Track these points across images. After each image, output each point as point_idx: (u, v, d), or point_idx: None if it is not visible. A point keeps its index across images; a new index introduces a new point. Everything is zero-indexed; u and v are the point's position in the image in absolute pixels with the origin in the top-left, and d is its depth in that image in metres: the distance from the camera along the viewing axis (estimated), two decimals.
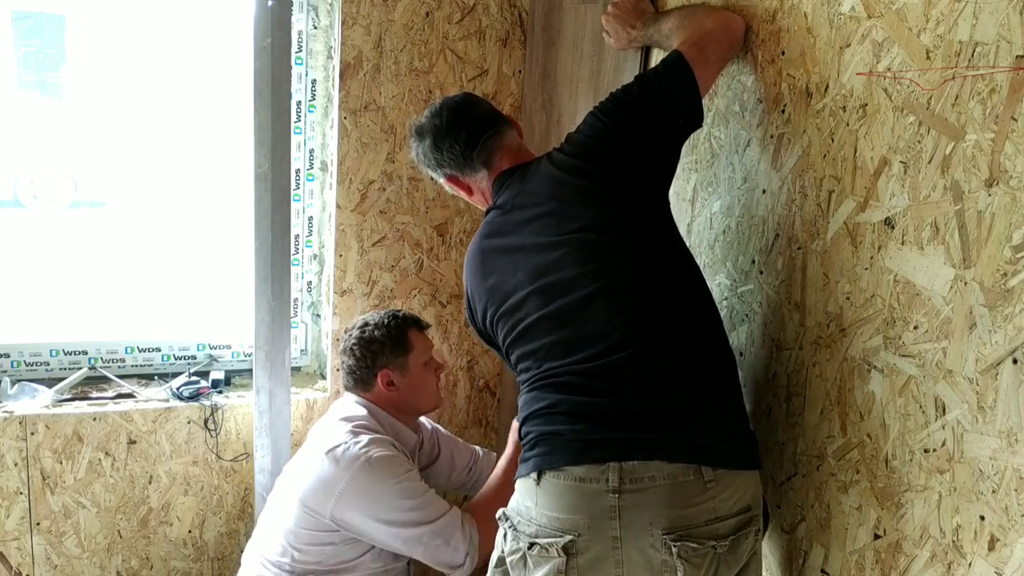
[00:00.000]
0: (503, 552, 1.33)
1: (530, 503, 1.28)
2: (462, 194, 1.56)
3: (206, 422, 2.29)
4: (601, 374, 1.26)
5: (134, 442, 2.23)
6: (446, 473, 2.06)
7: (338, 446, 1.71)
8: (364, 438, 1.72)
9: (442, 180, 1.55)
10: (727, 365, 1.33)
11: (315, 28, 2.20)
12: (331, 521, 1.69)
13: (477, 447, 2.18)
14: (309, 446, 1.82)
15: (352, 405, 1.86)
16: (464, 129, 1.48)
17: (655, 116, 1.35)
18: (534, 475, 1.27)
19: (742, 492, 1.24)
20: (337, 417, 1.83)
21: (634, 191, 1.35)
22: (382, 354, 1.83)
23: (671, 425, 1.23)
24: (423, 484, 1.74)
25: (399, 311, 1.92)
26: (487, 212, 1.50)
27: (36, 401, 2.19)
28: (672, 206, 1.42)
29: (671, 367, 1.26)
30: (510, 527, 1.32)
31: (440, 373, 1.95)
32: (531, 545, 1.26)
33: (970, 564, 1.03)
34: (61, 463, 2.17)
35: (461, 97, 1.55)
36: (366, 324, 1.87)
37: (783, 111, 1.35)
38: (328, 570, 1.74)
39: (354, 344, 1.86)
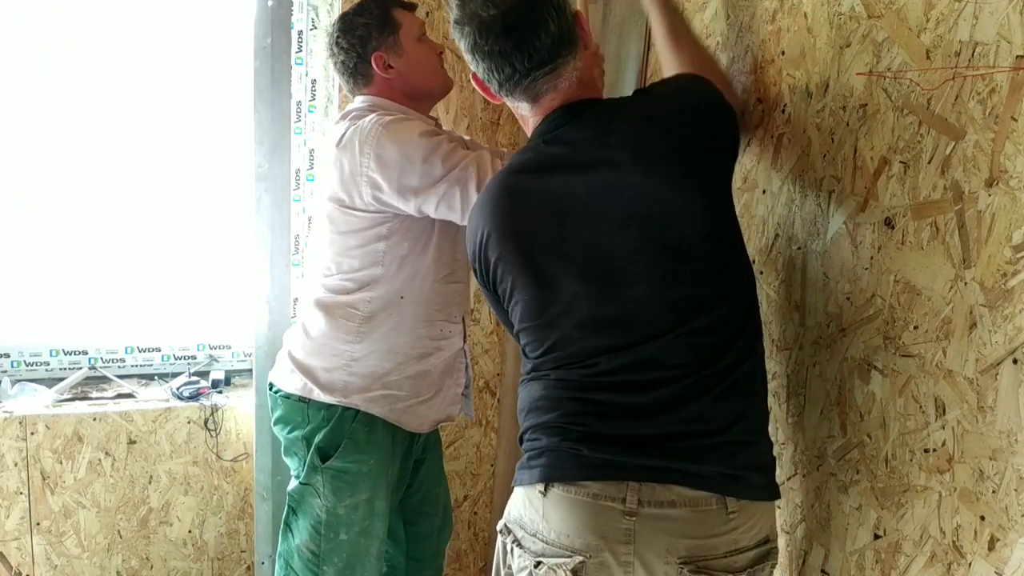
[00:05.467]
0: (511, 569, 1.24)
1: (536, 516, 1.19)
2: (485, 95, 1.29)
3: (206, 422, 2.29)
4: (640, 401, 1.15)
5: (134, 442, 2.23)
6: None
7: (346, 133, 1.59)
8: (370, 115, 1.61)
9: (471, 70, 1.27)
10: (763, 394, 1.23)
11: (315, 28, 2.20)
12: (373, 200, 1.58)
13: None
14: (324, 155, 1.70)
15: (356, 103, 1.71)
16: (511, 62, 1.17)
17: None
18: (540, 486, 1.18)
19: (763, 522, 1.17)
20: (340, 117, 1.71)
21: (716, 179, 1.20)
22: (369, 37, 1.66)
23: (700, 459, 1.13)
24: (443, 135, 1.61)
25: None
26: (530, 142, 1.27)
27: (36, 401, 2.19)
28: None
29: (712, 400, 1.14)
30: (514, 542, 1.22)
31: (440, 54, 1.74)
32: (537, 563, 1.17)
33: (970, 564, 1.03)
34: (61, 463, 2.17)
35: None
36: (345, 14, 1.71)
37: (783, 111, 1.34)
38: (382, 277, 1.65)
39: (338, 37, 1.69)
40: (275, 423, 1.77)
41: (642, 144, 1.15)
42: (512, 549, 1.23)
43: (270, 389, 1.79)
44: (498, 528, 1.27)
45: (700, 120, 1.19)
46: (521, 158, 1.27)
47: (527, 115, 1.26)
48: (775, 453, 1.39)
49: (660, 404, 1.14)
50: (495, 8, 1.14)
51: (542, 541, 1.18)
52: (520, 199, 1.23)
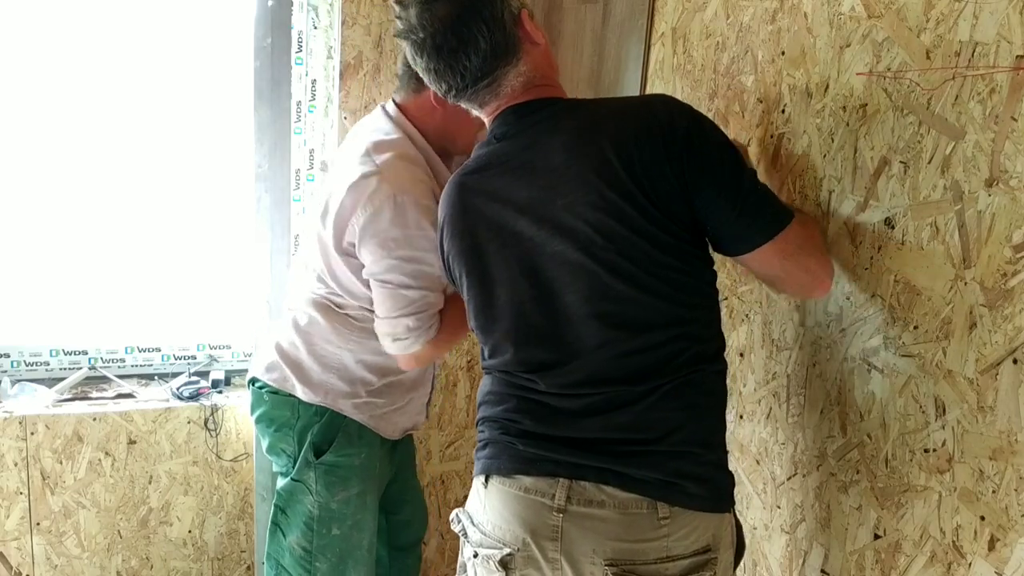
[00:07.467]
0: (463, 559, 1.26)
1: (480, 507, 1.21)
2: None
3: (206, 422, 2.29)
4: (576, 406, 1.15)
5: (134, 442, 2.23)
6: None
7: (365, 176, 1.52)
8: (395, 162, 1.54)
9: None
10: (714, 407, 1.18)
11: (315, 28, 2.20)
12: (349, 245, 1.56)
13: None
14: (342, 160, 1.64)
15: (384, 120, 1.63)
16: (445, 80, 1.17)
17: None
18: (482, 478, 1.21)
19: (701, 532, 1.11)
20: (369, 129, 1.63)
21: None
22: None
23: (633, 463, 1.11)
24: (432, 269, 1.54)
25: None
26: (487, 137, 1.24)
27: (36, 401, 2.19)
28: None
29: (644, 410, 1.12)
30: (461, 532, 1.25)
31: (477, 132, 1.61)
32: (475, 554, 1.20)
33: (970, 564, 1.03)
34: (61, 463, 2.17)
35: (461, 6, 1.12)
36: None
37: (783, 111, 1.34)
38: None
39: None
40: (258, 420, 1.74)
41: (582, 150, 1.09)
42: (462, 540, 1.26)
43: (253, 384, 1.75)
44: (451, 518, 1.29)
45: (651, 131, 1.08)
46: (476, 154, 1.24)
47: (479, 115, 1.25)
48: (777, 447, 1.39)
49: (593, 409, 1.14)
50: (423, 31, 1.13)
51: (480, 532, 1.20)
52: (468, 198, 1.22)
